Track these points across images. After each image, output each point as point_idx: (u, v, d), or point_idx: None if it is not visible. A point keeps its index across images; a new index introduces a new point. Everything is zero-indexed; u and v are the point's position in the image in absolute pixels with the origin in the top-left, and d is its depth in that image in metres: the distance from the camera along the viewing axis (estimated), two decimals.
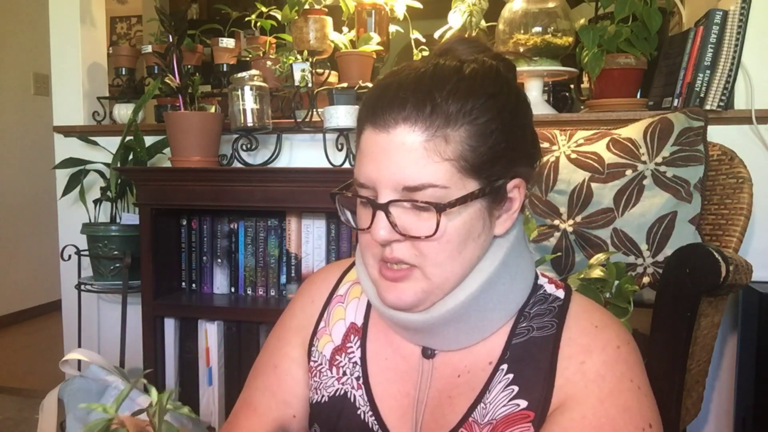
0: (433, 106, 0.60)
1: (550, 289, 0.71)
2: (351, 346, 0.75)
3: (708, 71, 1.75)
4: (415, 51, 2.10)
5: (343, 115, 1.88)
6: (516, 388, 0.65)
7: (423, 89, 0.61)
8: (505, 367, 0.66)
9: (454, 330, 0.67)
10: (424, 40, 2.11)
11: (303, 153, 2.15)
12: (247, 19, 2.17)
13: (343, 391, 0.73)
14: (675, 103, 1.78)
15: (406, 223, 0.62)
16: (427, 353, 0.70)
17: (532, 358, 0.66)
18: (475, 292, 0.64)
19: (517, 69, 0.70)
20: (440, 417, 0.67)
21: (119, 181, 2.11)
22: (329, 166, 2.03)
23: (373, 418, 0.70)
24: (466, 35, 1.98)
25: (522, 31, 1.94)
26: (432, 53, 0.70)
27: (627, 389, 0.62)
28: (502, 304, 0.67)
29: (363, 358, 0.73)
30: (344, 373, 0.74)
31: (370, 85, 1.97)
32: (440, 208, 0.60)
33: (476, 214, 0.63)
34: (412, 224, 0.62)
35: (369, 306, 0.76)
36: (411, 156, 0.60)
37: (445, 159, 0.60)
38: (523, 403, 0.64)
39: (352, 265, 0.81)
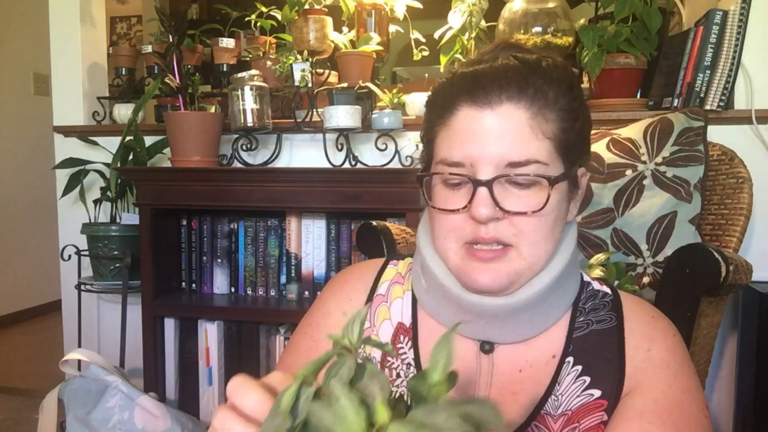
0: (535, 89, 0.63)
1: (596, 285, 0.74)
2: (402, 347, 0.73)
3: (708, 71, 1.75)
4: (415, 51, 2.10)
5: (343, 115, 1.88)
6: (588, 379, 0.67)
7: (521, 75, 0.63)
8: (571, 359, 0.68)
9: (527, 317, 0.67)
10: (424, 40, 2.10)
11: (303, 153, 2.15)
12: (247, 19, 2.17)
13: (398, 394, 0.71)
14: (675, 103, 1.78)
15: (506, 200, 0.63)
16: (486, 348, 0.69)
17: (598, 349, 0.68)
18: (558, 275, 0.66)
19: None
20: (506, 414, 0.67)
21: (119, 181, 2.11)
22: (329, 166, 2.03)
23: None
24: (466, 35, 1.98)
25: (522, 31, 1.94)
26: (484, 53, 0.70)
27: (687, 373, 0.66)
28: (567, 294, 0.69)
29: (416, 359, 0.71)
30: (398, 375, 0.72)
31: (370, 85, 1.97)
32: (552, 182, 0.63)
33: (563, 195, 0.66)
34: (513, 201, 0.63)
35: (414, 306, 0.74)
36: (518, 131, 0.62)
37: (546, 137, 0.63)
38: (597, 393, 0.66)
39: (385, 265, 0.79)
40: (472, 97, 0.63)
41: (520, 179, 0.62)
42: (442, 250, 0.67)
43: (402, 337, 0.73)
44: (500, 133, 0.62)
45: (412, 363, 0.71)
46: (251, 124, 1.96)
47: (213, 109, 2.07)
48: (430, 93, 0.70)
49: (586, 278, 0.74)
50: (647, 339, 0.67)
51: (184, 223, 2.09)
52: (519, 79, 0.63)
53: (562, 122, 0.64)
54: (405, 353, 0.72)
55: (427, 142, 0.70)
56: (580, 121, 0.66)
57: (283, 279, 2.05)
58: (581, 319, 0.70)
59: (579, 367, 0.67)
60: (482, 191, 0.62)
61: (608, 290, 0.73)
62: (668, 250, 1.47)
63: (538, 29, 1.92)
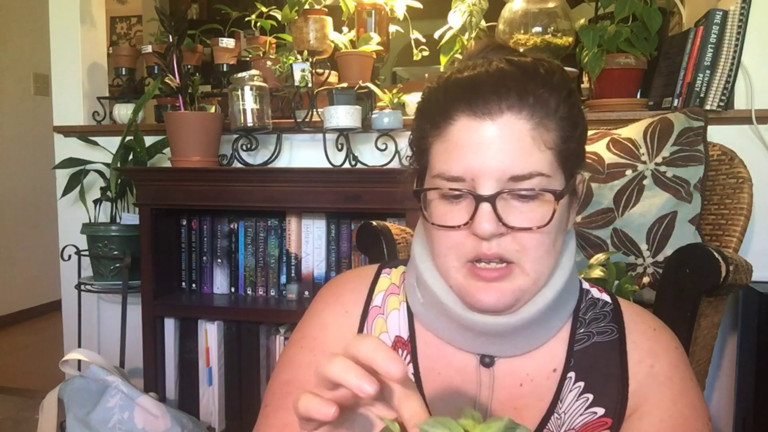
0: (535, 97, 0.59)
1: (595, 293, 0.71)
2: None
3: (708, 71, 1.75)
4: (415, 51, 2.10)
5: (343, 115, 1.88)
6: (591, 396, 0.65)
7: (520, 82, 0.60)
8: (572, 375, 0.66)
9: (529, 332, 0.64)
10: (424, 40, 2.10)
11: (303, 153, 2.15)
12: (247, 19, 2.17)
13: None
14: (675, 103, 1.78)
15: (510, 215, 0.59)
16: (486, 362, 0.67)
17: (600, 364, 0.66)
18: (560, 290, 0.64)
19: None
20: None
21: (119, 181, 2.11)
22: (329, 166, 2.03)
23: None
24: (466, 35, 1.98)
25: (522, 31, 1.94)
26: (472, 55, 0.67)
27: (690, 388, 0.64)
28: (567, 304, 0.67)
29: (416, 373, 0.68)
30: None
31: (370, 85, 1.97)
32: (558, 196, 0.60)
33: (564, 206, 0.63)
34: (517, 216, 0.59)
35: (411, 318, 0.71)
36: (520, 144, 0.59)
37: (548, 148, 0.60)
38: (600, 411, 0.64)
39: (378, 273, 0.75)
40: (470, 107, 0.59)
41: (524, 193, 0.59)
42: (442, 268, 0.64)
43: (401, 351, 0.70)
44: (501, 146, 0.58)
45: (413, 378, 0.69)
46: (251, 124, 1.96)
47: (213, 109, 2.07)
48: (420, 99, 0.66)
49: (585, 285, 0.72)
50: (650, 354, 0.65)
51: (184, 223, 2.09)
52: (518, 86, 0.59)
53: (563, 131, 0.61)
54: None
55: (419, 153, 0.66)
56: (580, 128, 0.63)
57: (283, 279, 2.05)
58: (582, 330, 0.68)
59: (581, 384, 0.66)
60: (485, 207, 0.58)
61: (608, 299, 0.70)
62: (668, 250, 1.47)
63: (538, 29, 1.92)
